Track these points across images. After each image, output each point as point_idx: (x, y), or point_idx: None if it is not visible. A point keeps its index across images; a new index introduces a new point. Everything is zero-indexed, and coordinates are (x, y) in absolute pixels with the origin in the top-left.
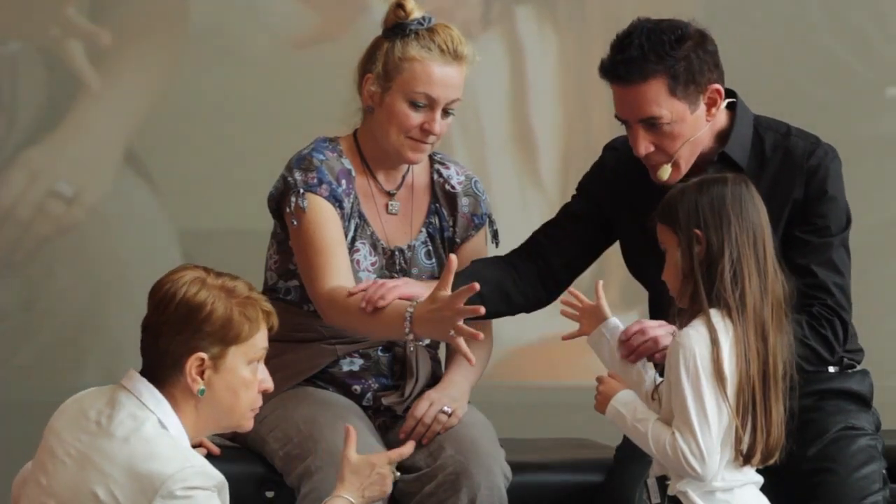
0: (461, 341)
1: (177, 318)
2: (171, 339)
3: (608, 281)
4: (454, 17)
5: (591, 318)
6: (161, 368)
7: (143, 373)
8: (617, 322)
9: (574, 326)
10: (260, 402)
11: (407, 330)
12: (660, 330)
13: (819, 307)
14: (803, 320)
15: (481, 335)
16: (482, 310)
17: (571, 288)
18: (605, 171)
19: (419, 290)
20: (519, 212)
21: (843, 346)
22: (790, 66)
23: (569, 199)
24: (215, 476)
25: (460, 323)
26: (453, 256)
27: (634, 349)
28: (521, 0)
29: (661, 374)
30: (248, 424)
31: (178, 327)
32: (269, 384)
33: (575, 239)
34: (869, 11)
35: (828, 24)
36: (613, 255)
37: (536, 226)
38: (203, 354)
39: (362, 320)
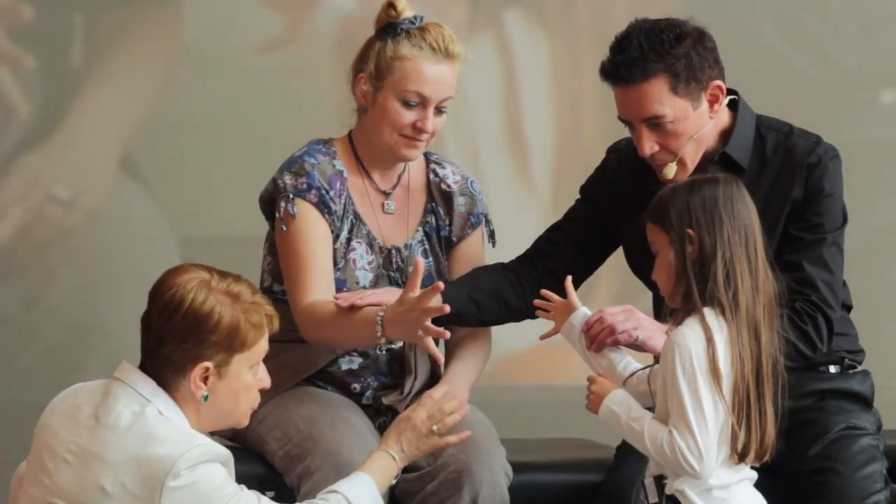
0: (429, 341)
1: (183, 326)
2: (176, 348)
3: (604, 281)
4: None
5: (564, 314)
6: (163, 372)
7: (144, 371)
8: (586, 311)
9: None
10: (258, 400)
11: (379, 333)
12: (619, 316)
13: (802, 302)
14: (784, 314)
15: (447, 334)
16: (447, 308)
17: (543, 290)
18: (607, 174)
19: (396, 297)
20: (512, 213)
21: (828, 343)
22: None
23: (561, 200)
24: (221, 452)
25: (428, 323)
26: (419, 259)
27: (594, 338)
28: (510, 4)
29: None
30: (244, 423)
31: (184, 336)
32: (267, 382)
33: (577, 242)
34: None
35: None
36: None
37: (529, 226)
38: (208, 363)
39: (337, 330)
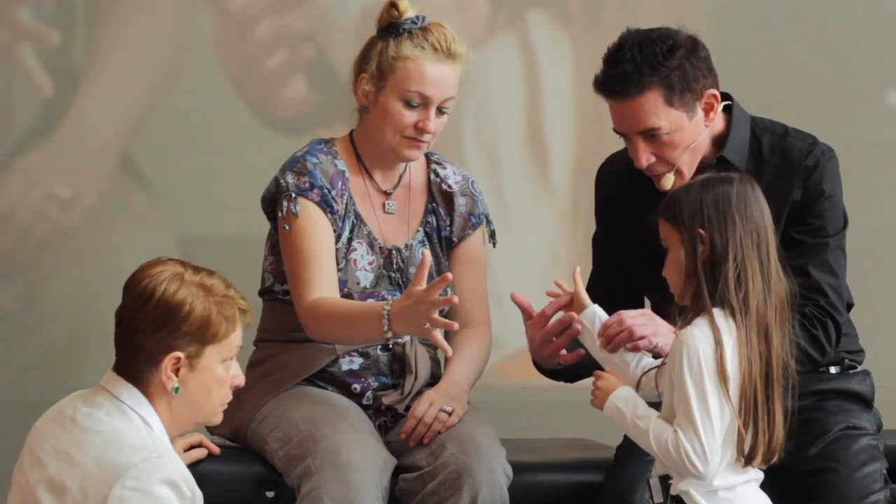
0: (437, 333)
1: (155, 316)
2: (148, 337)
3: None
4: (461, 19)
5: (573, 305)
6: (136, 364)
7: (118, 366)
8: (595, 310)
9: None
10: (230, 398)
11: (385, 328)
12: (639, 319)
13: (812, 308)
14: (795, 320)
15: (455, 325)
16: (455, 299)
17: (556, 280)
18: (604, 189)
19: None
20: (531, 214)
21: (836, 347)
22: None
23: (580, 202)
24: (173, 471)
25: (435, 315)
26: (427, 252)
27: (612, 339)
28: (532, 3)
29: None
30: (217, 420)
31: (156, 326)
32: (241, 380)
33: (617, 280)
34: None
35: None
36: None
37: (548, 227)
38: (179, 354)
39: (342, 325)
